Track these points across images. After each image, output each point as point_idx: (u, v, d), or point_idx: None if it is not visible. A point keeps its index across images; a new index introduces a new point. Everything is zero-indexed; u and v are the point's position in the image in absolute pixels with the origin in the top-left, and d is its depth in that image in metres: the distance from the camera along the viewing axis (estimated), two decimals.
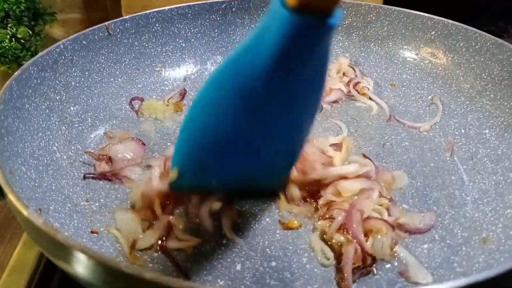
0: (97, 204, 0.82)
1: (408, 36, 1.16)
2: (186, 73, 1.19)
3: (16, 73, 0.83)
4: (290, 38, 0.53)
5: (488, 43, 1.00)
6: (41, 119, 0.88)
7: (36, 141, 0.84)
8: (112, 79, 1.08)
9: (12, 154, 0.75)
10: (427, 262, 0.72)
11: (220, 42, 1.23)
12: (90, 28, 1.02)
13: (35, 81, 0.88)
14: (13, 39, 1.18)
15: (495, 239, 0.74)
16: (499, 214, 0.79)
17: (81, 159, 0.90)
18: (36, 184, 0.76)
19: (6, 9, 1.16)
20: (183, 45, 1.20)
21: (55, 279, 0.79)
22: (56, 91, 0.94)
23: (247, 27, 1.24)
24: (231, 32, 1.24)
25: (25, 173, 0.75)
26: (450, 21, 1.08)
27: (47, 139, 0.87)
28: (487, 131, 0.96)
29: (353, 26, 1.23)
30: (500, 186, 0.85)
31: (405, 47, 1.18)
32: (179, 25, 1.18)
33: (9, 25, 1.18)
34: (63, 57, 0.96)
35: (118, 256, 0.72)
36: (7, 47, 1.16)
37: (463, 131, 0.99)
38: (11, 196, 0.60)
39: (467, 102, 1.03)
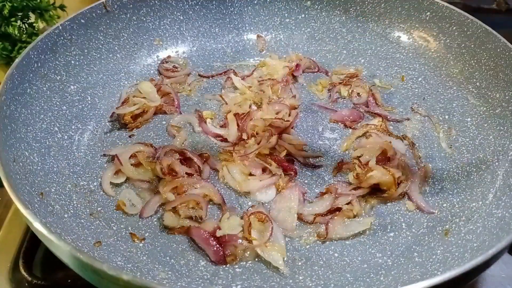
0: (95, 183, 0.90)
1: (404, 15, 1.16)
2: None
3: (16, 60, 0.88)
4: None
5: (479, 31, 1.00)
6: (42, 101, 0.94)
7: (38, 124, 0.90)
8: (111, 55, 1.11)
9: (15, 141, 0.81)
10: (390, 250, 0.80)
11: (218, 14, 1.24)
12: (88, 7, 1.05)
13: (35, 64, 0.93)
14: None
15: (455, 232, 0.80)
16: (465, 206, 0.84)
17: (81, 137, 0.97)
18: (39, 168, 0.84)
19: None
20: (181, 18, 1.21)
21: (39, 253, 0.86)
22: (57, 72, 0.99)
23: None
24: (229, 4, 1.24)
25: (28, 157, 0.83)
26: (445, 4, 1.07)
27: (48, 121, 0.93)
28: (469, 119, 0.99)
29: (351, 1, 1.22)
30: (472, 177, 0.89)
31: (401, 25, 1.17)
32: None
33: None
34: (62, 38, 1.00)
35: (114, 235, 0.81)
36: None
37: (446, 117, 1.03)
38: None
39: (454, 88, 1.05)
